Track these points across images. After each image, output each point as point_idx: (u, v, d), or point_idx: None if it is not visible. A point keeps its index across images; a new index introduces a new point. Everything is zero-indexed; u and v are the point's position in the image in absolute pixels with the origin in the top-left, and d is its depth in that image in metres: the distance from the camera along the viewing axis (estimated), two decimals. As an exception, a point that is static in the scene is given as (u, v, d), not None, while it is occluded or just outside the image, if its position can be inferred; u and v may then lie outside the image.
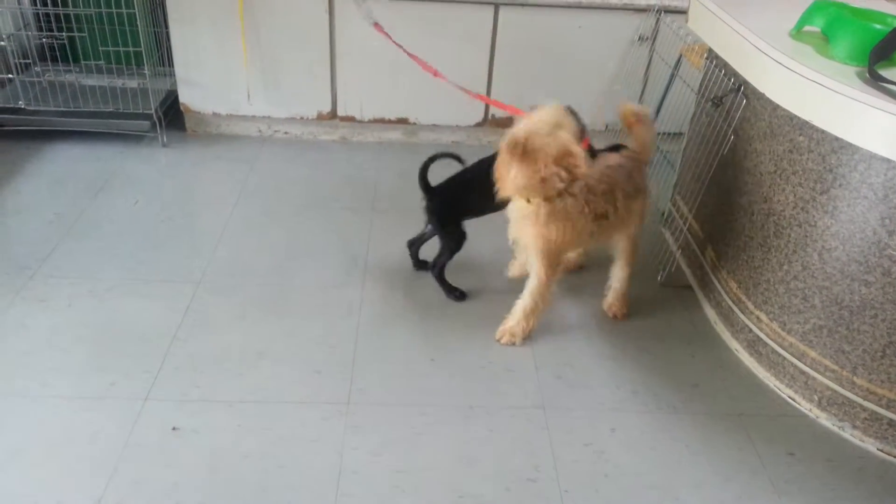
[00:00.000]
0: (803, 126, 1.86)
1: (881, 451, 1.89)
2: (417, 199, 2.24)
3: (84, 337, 2.10)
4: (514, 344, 2.15)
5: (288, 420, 1.87)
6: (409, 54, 2.73)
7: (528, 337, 2.17)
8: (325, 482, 1.71)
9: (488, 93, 3.19)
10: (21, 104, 3.07)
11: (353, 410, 1.91)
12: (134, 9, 2.94)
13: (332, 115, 3.24)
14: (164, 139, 3.17)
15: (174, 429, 1.82)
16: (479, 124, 3.27)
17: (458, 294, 2.33)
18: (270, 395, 1.94)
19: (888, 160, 1.66)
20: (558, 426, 1.90)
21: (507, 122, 3.22)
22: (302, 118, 3.26)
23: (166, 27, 3.06)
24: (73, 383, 1.93)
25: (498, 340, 2.16)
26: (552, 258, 2.03)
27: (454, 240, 2.27)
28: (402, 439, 1.84)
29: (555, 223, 1.95)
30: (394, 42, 2.79)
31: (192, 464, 1.74)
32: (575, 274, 2.48)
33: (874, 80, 1.71)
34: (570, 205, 1.95)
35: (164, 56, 3.21)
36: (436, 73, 2.65)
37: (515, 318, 2.14)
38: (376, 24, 2.89)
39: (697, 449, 1.87)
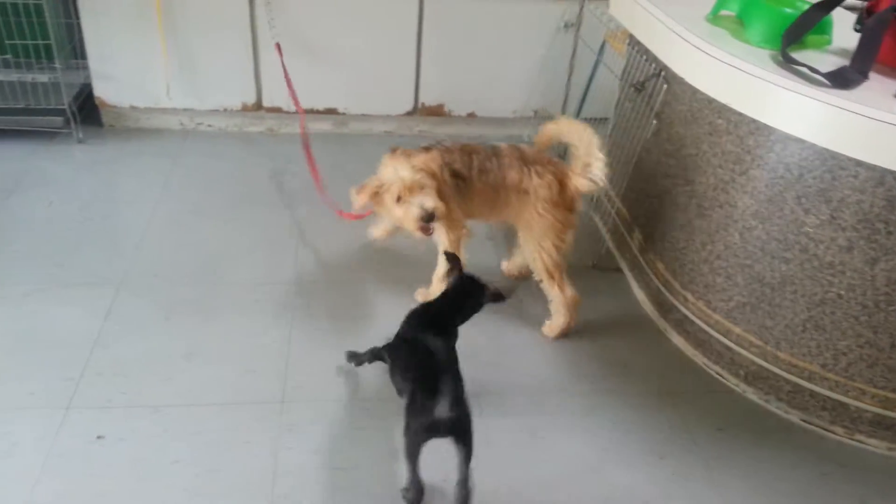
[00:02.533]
0: (721, 109, 1.91)
1: (804, 421, 1.97)
2: (346, 192, 2.19)
3: (0, 345, 1.99)
4: None
5: (219, 422, 1.82)
6: (293, 96, 2.84)
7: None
8: (259, 484, 1.67)
9: (417, 82, 3.17)
10: (-80, 102, 2.88)
11: (287, 409, 1.87)
12: (40, -1, 2.79)
13: (258, 105, 3.16)
14: (80, 135, 3.02)
15: (99, 437, 1.75)
16: (409, 113, 3.24)
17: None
18: (200, 398, 1.88)
19: (802, 140, 1.72)
20: (494, 411, 1.91)
21: (437, 111, 3.23)
22: (226, 110, 3.17)
23: (78, 18, 2.92)
24: (-13, 395, 1.84)
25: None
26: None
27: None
28: (341, 436, 1.81)
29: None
30: (285, 72, 2.85)
31: (120, 473, 1.67)
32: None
33: (787, 62, 1.76)
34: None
35: (76, 48, 3.06)
36: (303, 134, 2.77)
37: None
38: (277, 45, 2.90)
39: (629, 428, 1.91)
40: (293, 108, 3.18)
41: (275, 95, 3.13)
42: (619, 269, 2.50)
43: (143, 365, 1.96)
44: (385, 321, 2.18)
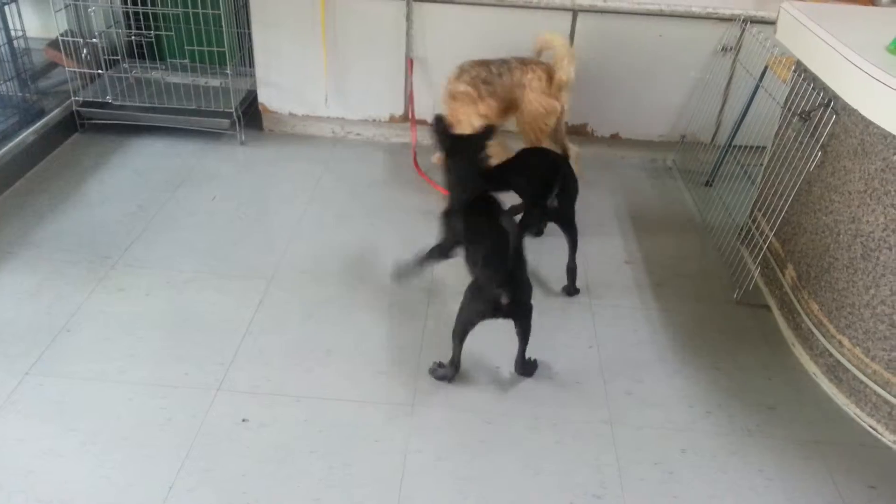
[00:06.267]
0: (900, 144, 1.78)
1: (972, 490, 1.79)
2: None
3: (160, 326, 2.16)
4: None
5: (354, 418, 1.88)
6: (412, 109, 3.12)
7: None
8: (388, 483, 1.71)
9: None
10: (109, 99, 3.19)
11: (416, 412, 1.91)
12: (219, 10, 3.03)
13: (405, 118, 3.26)
14: (243, 137, 3.25)
15: (244, 420, 1.86)
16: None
17: None
18: (338, 393, 1.95)
19: None
20: (626, 443, 1.86)
21: (581, 130, 3.21)
22: (374, 120, 3.30)
23: (249, 29, 3.14)
24: (148, 371, 1.99)
25: None
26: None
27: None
28: (466, 446, 1.83)
29: None
30: (411, 88, 3.16)
31: (261, 456, 1.76)
32: (636, 286, 2.44)
33: (981, 98, 1.62)
34: None
35: (245, 57, 3.30)
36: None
37: None
38: (410, 60, 3.10)
39: (771, 475, 1.80)
40: (439, 122, 3.27)
41: (421, 109, 3.23)
42: (766, 306, 2.37)
43: (288, 356, 2.07)
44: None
